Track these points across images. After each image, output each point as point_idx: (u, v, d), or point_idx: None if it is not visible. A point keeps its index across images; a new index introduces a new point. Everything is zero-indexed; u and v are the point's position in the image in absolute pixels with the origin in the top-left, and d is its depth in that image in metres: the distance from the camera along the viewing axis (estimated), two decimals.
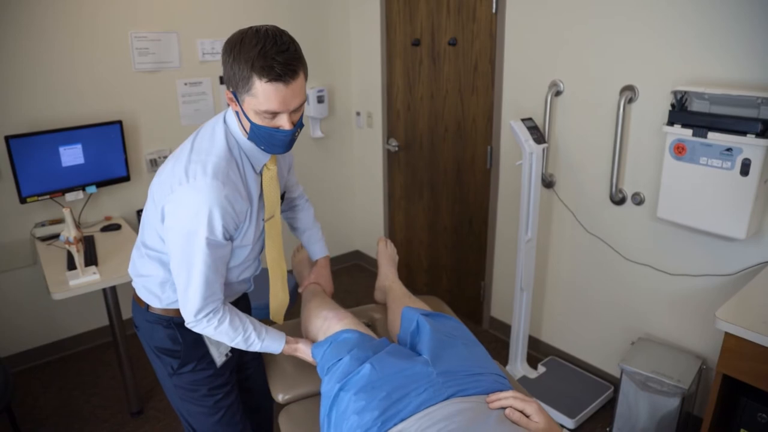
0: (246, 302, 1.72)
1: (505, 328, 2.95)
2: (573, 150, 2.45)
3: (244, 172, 1.32)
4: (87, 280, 2.14)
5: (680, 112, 1.94)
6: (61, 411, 2.51)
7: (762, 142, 1.74)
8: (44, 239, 2.57)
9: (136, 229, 2.77)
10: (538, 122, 2.43)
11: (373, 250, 3.86)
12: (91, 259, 2.31)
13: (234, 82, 1.18)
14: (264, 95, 1.16)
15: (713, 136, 1.84)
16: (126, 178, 2.80)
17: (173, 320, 1.41)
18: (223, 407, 1.51)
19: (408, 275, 3.56)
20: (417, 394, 1.13)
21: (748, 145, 1.77)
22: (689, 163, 1.94)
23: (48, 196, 2.56)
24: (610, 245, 2.40)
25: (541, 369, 2.61)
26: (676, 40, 2.00)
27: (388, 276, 1.85)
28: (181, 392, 1.49)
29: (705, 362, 2.14)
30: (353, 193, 3.93)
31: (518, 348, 2.58)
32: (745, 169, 1.80)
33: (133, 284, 1.48)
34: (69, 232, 2.02)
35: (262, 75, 1.13)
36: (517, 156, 2.56)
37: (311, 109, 3.43)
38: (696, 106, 1.95)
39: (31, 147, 2.46)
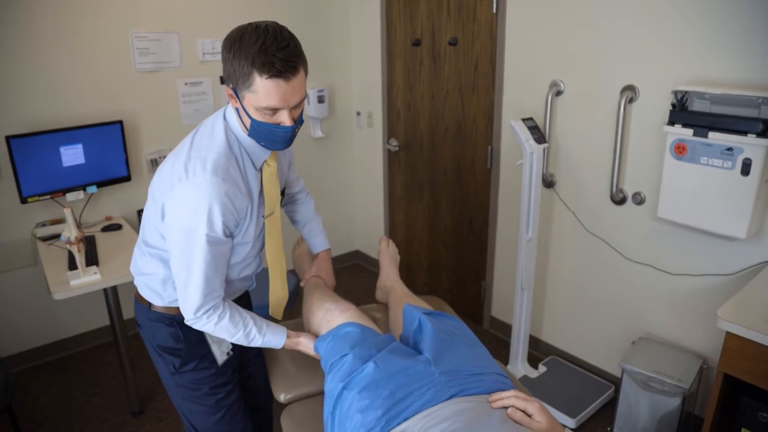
0: (247, 301, 1.72)
1: (506, 328, 2.96)
2: (573, 150, 2.45)
3: (244, 168, 1.32)
4: (88, 280, 2.14)
5: (681, 111, 1.94)
6: (61, 411, 2.51)
7: (763, 141, 1.74)
8: (45, 239, 2.57)
9: (136, 229, 2.77)
10: (539, 122, 2.44)
11: (373, 250, 3.86)
12: (92, 259, 2.31)
13: (234, 79, 1.18)
14: (264, 91, 1.16)
15: (714, 136, 1.85)
16: (127, 178, 2.80)
17: (175, 318, 1.41)
18: (225, 406, 1.51)
19: (408, 275, 3.56)
20: (420, 394, 1.13)
21: (749, 145, 1.77)
22: (690, 162, 1.94)
23: (49, 196, 2.56)
24: (610, 245, 2.40)
25: (542, 369, 2.61)
26: (677, 39, 2.00)
27: (389, 276, 1.85)
28: (183, 391, 1.49)
29: (706, 362, 2.14)
30: (353, 193, 3.93)
31: (519, 348, 2.58)
32: (745, 168, 1.80)
33: (135, 282, 1.47)
34: (70, 232, 2.02)
35: (262, 71, 1.13)
36: (518, 156, 2.56)
37: (311, 109, 3.43)
38: (696, 105, 1.95)
39: (31, 147, 2.46)
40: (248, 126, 1.25)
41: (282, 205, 1.62)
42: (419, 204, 3.38)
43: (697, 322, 2.18)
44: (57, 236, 2.56)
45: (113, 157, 2.73)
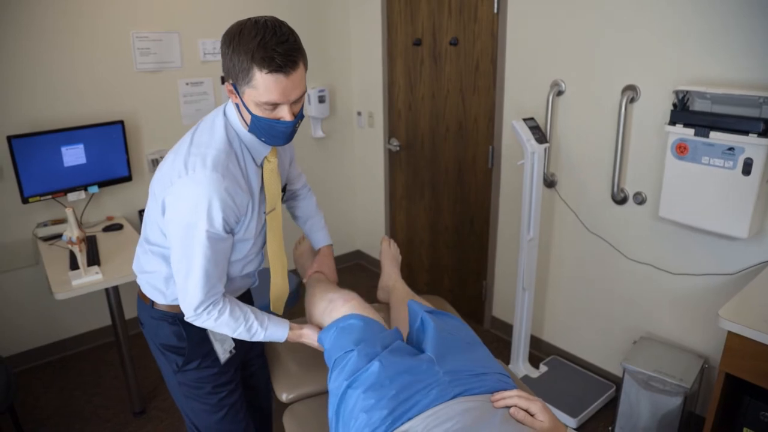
0: (248, 300, 1.71)
1: (507, 328, 2.96)
2: (575, 149, 2.45)
3: (245, 164, 1.31)
4: (90, 279, 2.14)
5: (682, 111, 1.94)
6: (62, 411, 2.51)
7: (764, 141, 1.74)
8: (46, 239, 2.57)
9: (138, 229, 2.77)
10: (540, 122, 2.44)
11: (374, 250, 3.87)
12: (93, 259, 2.31)
13: (234, 74, 1.17)
14: (264, 86, 1.15)
15: (715, 136, 1.85)
16: (128, 178, 2.81)
17: (178, 317, 1.41)
18: (227, 405, 1.51)
19: (409, 275, 3.56)
20: (425, 394, 1.13)
21: (750, 145, 1.78)
22: (691, 162, 1.94)
23: (50, 196, 2.56)
24: (611, 244, 2.41)
25: (543, 368, 2.61)
26: (678, 39, 2.00)
27: (391, 275, 1.85)
28: (186, 389, 1.49)
29: (707, 361, 2.14)
30: (354, 193, 3.93)
31: (520, 347, 2.58)
32: (747, 168, 1.80)
33: (138, 281, 1.47)
34: (72, 231, 2.02)
35: (262, 66, 1.13)
36: (519, 155, 2.56)
37: (312, 109, 3.44)
38: (698, 105, 1.95)
39: (33, 147, 2.46)
40: (248, 121, 1.24)
41: (283, 201, 1.62)
42: (420, 204, 3.38)
43: (699, 321, 2.18)
44: (58, 236, 2.56)
45: (114, 157, 2.73)
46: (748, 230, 1.86)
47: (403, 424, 1.08)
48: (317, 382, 1.56)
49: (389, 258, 1.91)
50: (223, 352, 1.47)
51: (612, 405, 2.42)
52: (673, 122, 1.96)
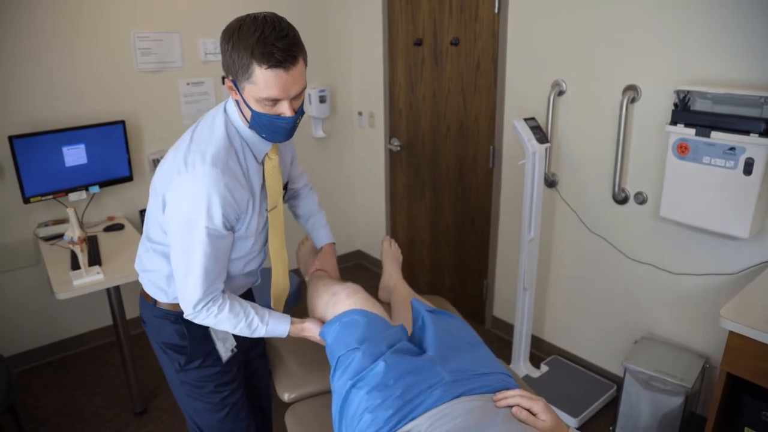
0: (250, 299, 1.71)
1: (508, 328, 2.96)
2: (576, 149, 2.45)
3: (246, 161, 1.31)
4: (91, 279, 2.14)
5: (683, 111, 1.94)
6: (63, 411, 2.51)
7: (765, 141, 1.74)
8: (47, 239, 2.57)
9: (139, 229, 2.77)
10: (541, 122, 2.44)
11: (375, 250, 3.87)
12: (94, 259, 2.31)
13: (234, 70, 1.17)
14: (264, 82, 1.15)
15: (716, 136, 1.85)
16: (129, 178, 2.81)
17: (180, 315, 1.40)
18: (229, 404, 1.51)
19: (410, 275, 3.56)
20: (429, 393, 1.13)
21: (752, 145, 1.78)
22: (692, 162, 1.94)
23: (51, 196, 2.56)
24: (612, 244, 2.41)
25: (544, 368, 2.62)
26: (679, 39, 2.00)
27: (392, 275, 1.85)
28: (188, 389, 1.49)
29: (708, 361, 2.14)
30: (355, 193, 3.93)
31: (521, 347, 2.58)
32: (748, 168, 1.80)
33: (140, 279, 1.47)
34: (73, 231, 2.02)
35: (262, 62, 1.13)
36: (520, 155, 2.56)
37: (313, 109, 3.44)
38: (699, 105, 1.95)
39: (34, 147, 2.46)
40: (249, 118, 1.24)
41: (285, 200, 1.62)
42: (421, 203, 3.38)
43: (700, 321, 2.18)
44: (59, 236, 2.56)
45: (115, 157, 2.73)
46: (749, 230, 1.86)
47: (407, 423, 1.08)
48: (319, 381, 1.56)
49: (390, 258, 1.91)
50: (224, 351, 1.47)
51: (613, 405, 2.42)
52: (674, 122, 1.96)
